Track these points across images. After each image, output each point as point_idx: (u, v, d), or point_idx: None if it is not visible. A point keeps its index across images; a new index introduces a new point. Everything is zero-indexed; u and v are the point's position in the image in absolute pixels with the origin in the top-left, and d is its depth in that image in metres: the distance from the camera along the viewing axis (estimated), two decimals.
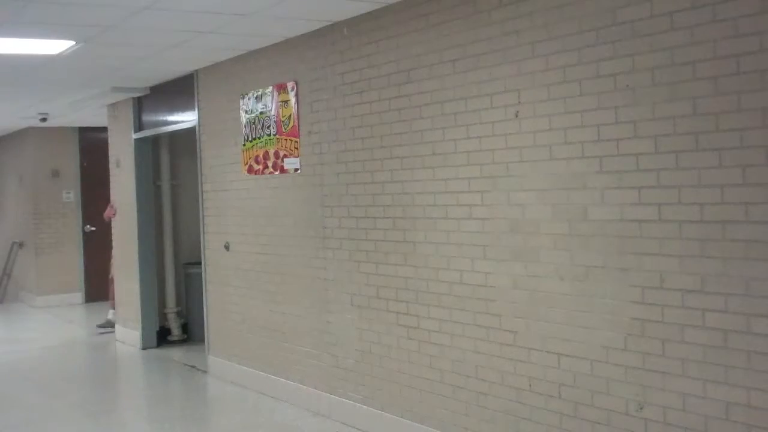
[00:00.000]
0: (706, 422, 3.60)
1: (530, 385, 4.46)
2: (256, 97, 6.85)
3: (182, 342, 9.51)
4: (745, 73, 3.39)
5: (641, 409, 3.88)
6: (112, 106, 9.96)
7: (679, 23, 3.62)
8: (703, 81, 3.54)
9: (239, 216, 7.28)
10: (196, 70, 7.78)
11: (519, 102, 4.43)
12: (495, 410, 4.70)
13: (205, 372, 7.96)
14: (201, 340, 8.31)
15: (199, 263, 8.13)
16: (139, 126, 9.33)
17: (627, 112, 3.86)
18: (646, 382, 3.85)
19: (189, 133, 8.19)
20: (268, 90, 6.69)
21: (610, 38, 3.92)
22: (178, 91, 8.29)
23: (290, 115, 6.42)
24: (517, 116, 4.45)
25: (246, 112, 7.01)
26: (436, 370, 5.12)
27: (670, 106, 3.67)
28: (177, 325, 9.62)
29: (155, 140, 9.48)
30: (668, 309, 3.73)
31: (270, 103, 6.67)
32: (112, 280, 10.47)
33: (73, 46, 6.24)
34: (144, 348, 9.30)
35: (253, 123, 6.91)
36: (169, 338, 9.57)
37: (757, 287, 3.39)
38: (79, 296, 13.06)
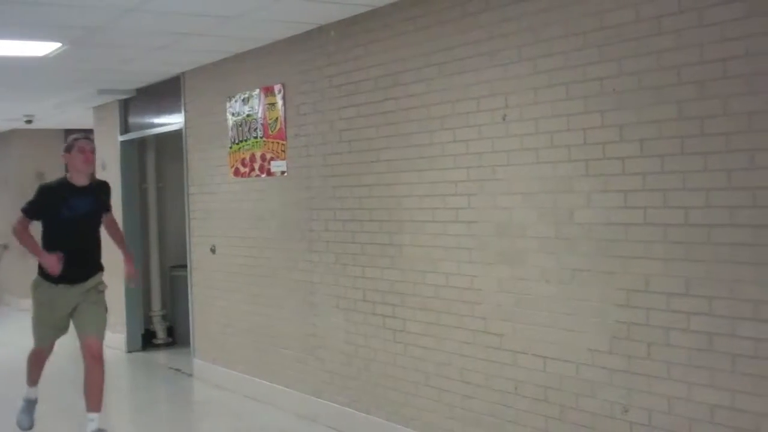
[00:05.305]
0: (690, 425, 3.61)
1: (516, 388, 4.46)
2: (243, 100, 6.83)
3: (167, 345, 9.47)
4: (731, 77, 3.41)
5: (626, 412, 3.88)
6: (98, 108, 9.92)
7: (665, 27, 3.64)
8: (689, 85, 3.55)
9: (225, 219, 7.26)
10: (183, 73, 7.76)
11: (506, 105, 4.44)
12: (480, 413, 4.70)
13: (190, 375, 7.92)
14: (186, 343, 8.27)
15: (185, 266, 8.09)
16: (126, 128, 9.29)
17: (613, 116, 3.87)
18: (631, 385, 3.86)
19: (175, 136, 8.16)
20: (255, 92, 6.68)
21: (596, 42, 3.93)
22: (164, 93, 8.26)
23: (277, 118, 6.41)
24: (504, 120, 4.45)
25: (233, 114, 6.99)
26: (421, 372, 5.12)
27: (656, 110, 3.69)
28: (162, 329, 9.58)
29: (141, 143, 9.44)
30: (653, 312, 3.74)
31: (257, 106, 6.65)
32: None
33: (59, 48, 6.21)
34: (129, 351, 9.25)
35: (240, 126, 6.89)
36: (155, 341, 9.52)
37: (742, 290, 3.40)
38: None
